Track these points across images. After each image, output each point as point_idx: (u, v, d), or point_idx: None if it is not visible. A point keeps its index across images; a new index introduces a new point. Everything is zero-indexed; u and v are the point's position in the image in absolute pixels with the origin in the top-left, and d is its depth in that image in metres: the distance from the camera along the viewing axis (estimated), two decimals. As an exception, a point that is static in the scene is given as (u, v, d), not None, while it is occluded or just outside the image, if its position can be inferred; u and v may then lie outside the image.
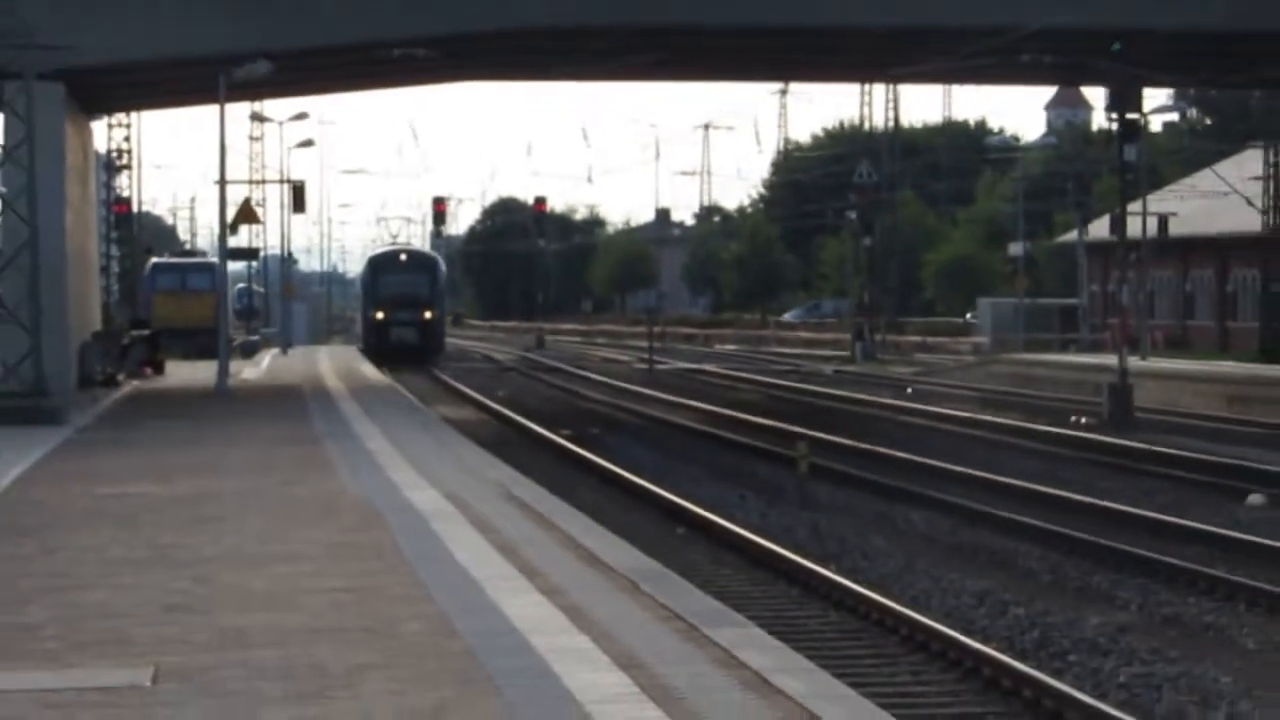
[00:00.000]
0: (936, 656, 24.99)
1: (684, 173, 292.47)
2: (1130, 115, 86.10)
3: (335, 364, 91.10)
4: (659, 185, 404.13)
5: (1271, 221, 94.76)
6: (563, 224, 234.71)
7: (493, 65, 73.35)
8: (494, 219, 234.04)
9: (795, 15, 59.39)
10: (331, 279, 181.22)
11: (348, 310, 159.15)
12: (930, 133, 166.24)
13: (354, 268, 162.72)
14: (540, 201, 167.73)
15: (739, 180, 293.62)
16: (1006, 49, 65.44)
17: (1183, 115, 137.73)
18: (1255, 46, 65.67)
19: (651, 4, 57.54)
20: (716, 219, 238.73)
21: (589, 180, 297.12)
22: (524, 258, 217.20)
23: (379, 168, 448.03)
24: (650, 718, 14.70)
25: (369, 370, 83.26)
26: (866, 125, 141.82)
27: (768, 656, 17.69)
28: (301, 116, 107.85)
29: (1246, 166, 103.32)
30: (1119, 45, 67.34)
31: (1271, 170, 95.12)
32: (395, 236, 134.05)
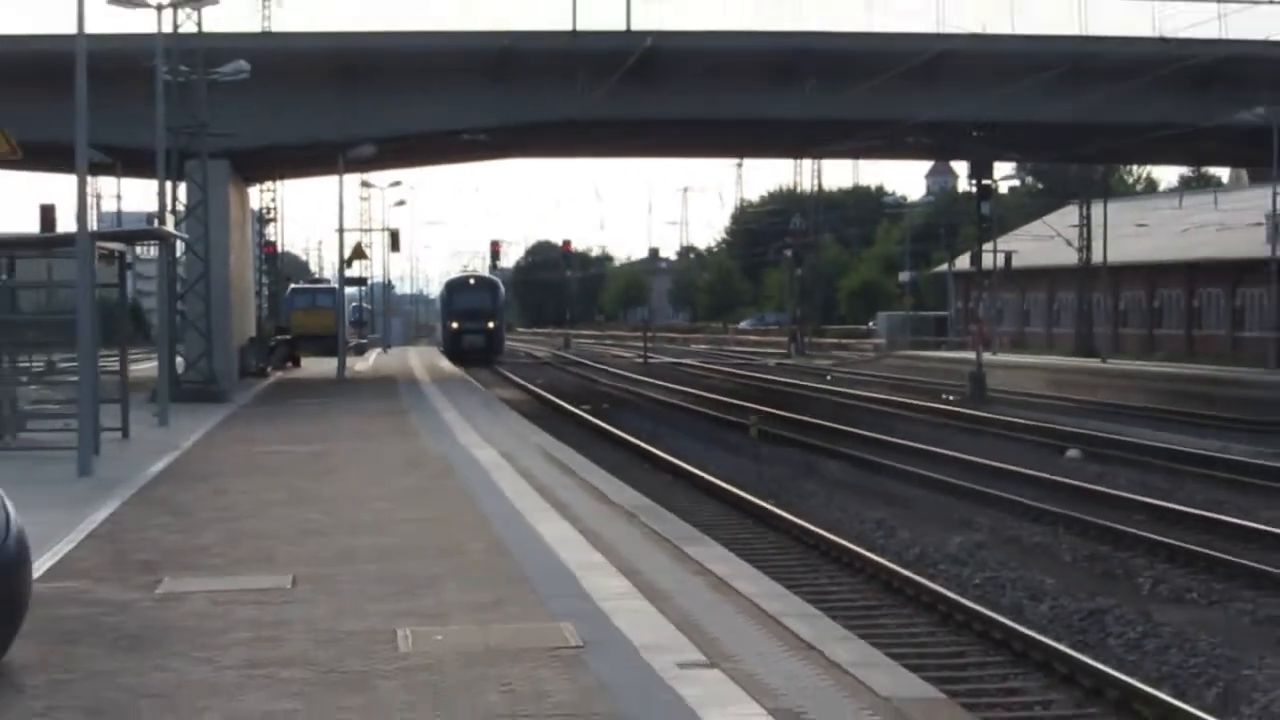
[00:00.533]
0: (846, 566, 25.26)
1: (670, 222, 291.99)
2: (985, 181, 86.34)
3: (421, 360, 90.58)
4: (651, 230, 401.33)
5: (1083, 257, 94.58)
6: (582, 259, 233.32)
7: (533, 146, 73.27)
8: (534, 256, 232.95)
9: (744, 111, 59.40)
10: (418, 299, 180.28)
11: (429, 321, 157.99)
12: (843, 194, 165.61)
13: (433, 290, 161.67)
14: (566, 243, 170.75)
15: (708, 228, 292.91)
16: (897, 135, 65.48)
17: (1022, 181, 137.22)
18: (1071, 134, 65.66)
19: (637, 105, 57.43)
20: (692, 255, 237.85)
21: (601, 227, 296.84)
22: (555, 283, 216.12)
23: (452, 218, 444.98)
24: (645, 609, 15.02)
25: (445, 365, 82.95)
26: (798, 189, 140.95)
27: (729, 567, 18.03)
28: (396, 184, 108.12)
29: (1067, 218, 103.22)
30: (977, 132, 67.39)
31: (1083, 220, 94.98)
32: (465, 266, 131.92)
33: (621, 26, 53.99)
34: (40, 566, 15.87)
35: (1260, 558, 25.49)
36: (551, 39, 54.83)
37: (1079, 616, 21.40)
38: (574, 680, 12.02)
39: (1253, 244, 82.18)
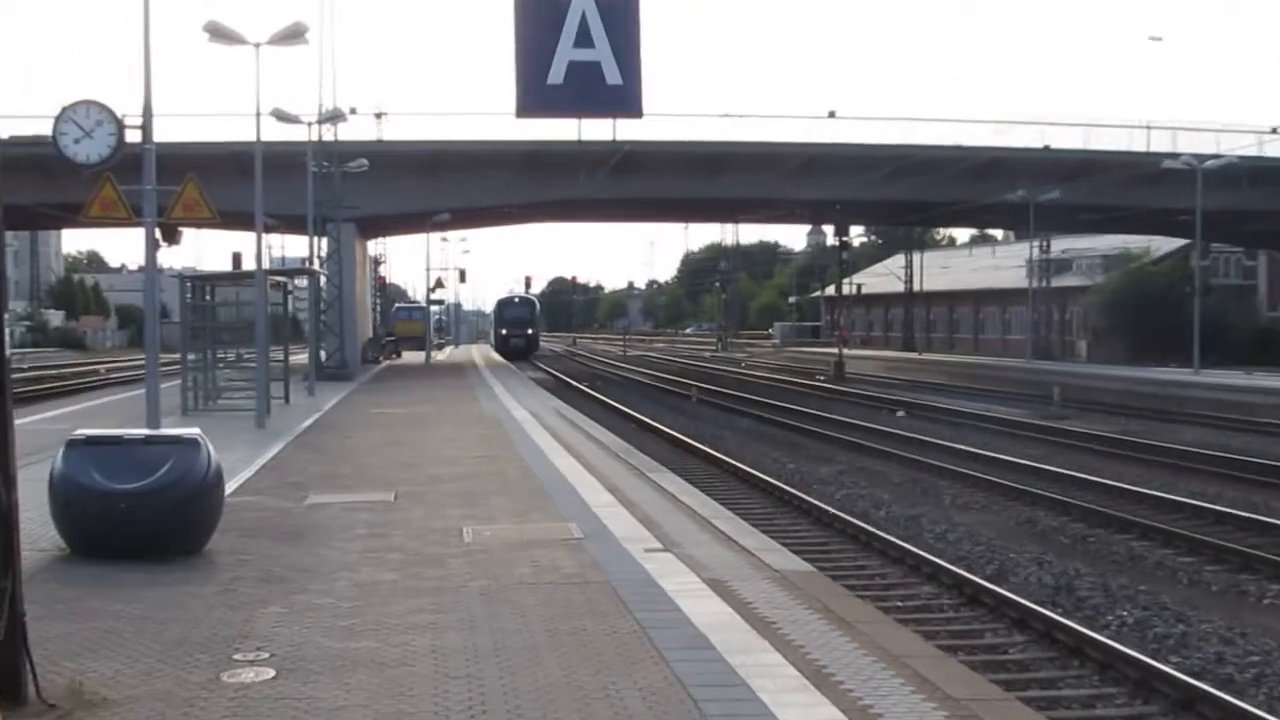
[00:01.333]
0: (754, 486, 25.23)
1: (642, 263, 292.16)
2: (844, 239, 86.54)
3: (479, 354, 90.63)
4: (631, 269, 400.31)
5: (908, 287, 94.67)
6: (584, 288, 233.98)
7: (552, 215, 73.21)
8: (553, 285, 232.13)
9: (690, 192, 59.48)
10: (478, 314, 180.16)
11: (485, 328, 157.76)
12: (754, 246, 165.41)
13: (488, 307, 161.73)
14: (574, 278, 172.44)
15: (668, 267, 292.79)
16: (788, 208, 65.52)
17: (868, 238, 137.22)
18: (899, 208, 65.76)
19: (620, 188, 57.46)
20: (655, 285, 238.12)
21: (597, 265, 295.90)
22: (566, 303, 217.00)
23: (499, 262, 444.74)
24: (623, 515, 15.03)
25: (496, 357, 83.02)
26: (724, 243, 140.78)
27: (678, 487, 18.04)
28: (464, 238, 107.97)
29: (897, 261, 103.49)
30: (838, 207, 67.46)
31: (908, 263, 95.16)
32: (510, 290, 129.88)
33: (609, 137, 53.96)
34: (231, 486, 15.83)
35: (1018, 480, 25.56)
36: (564, 145, 54.74)
37: (905, 519, 21.42)
38: (577, 559, 12.03)
39: (1018, 279, 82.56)
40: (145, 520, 11.79)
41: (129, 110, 19.25)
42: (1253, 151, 56.34)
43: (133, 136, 18.94)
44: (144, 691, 7.68)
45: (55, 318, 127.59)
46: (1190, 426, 39.08)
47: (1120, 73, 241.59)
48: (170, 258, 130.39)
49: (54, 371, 63.61)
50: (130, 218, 19.78)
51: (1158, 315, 68.49)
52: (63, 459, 12.08)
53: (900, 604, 15.04)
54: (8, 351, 7.35)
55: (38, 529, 12.47)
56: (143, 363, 23.77)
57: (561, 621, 9.46)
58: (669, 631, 9.13)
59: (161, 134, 21.39)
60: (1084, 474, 26.39)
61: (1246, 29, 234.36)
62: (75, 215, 23.43)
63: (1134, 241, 78.77)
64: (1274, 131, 57.87)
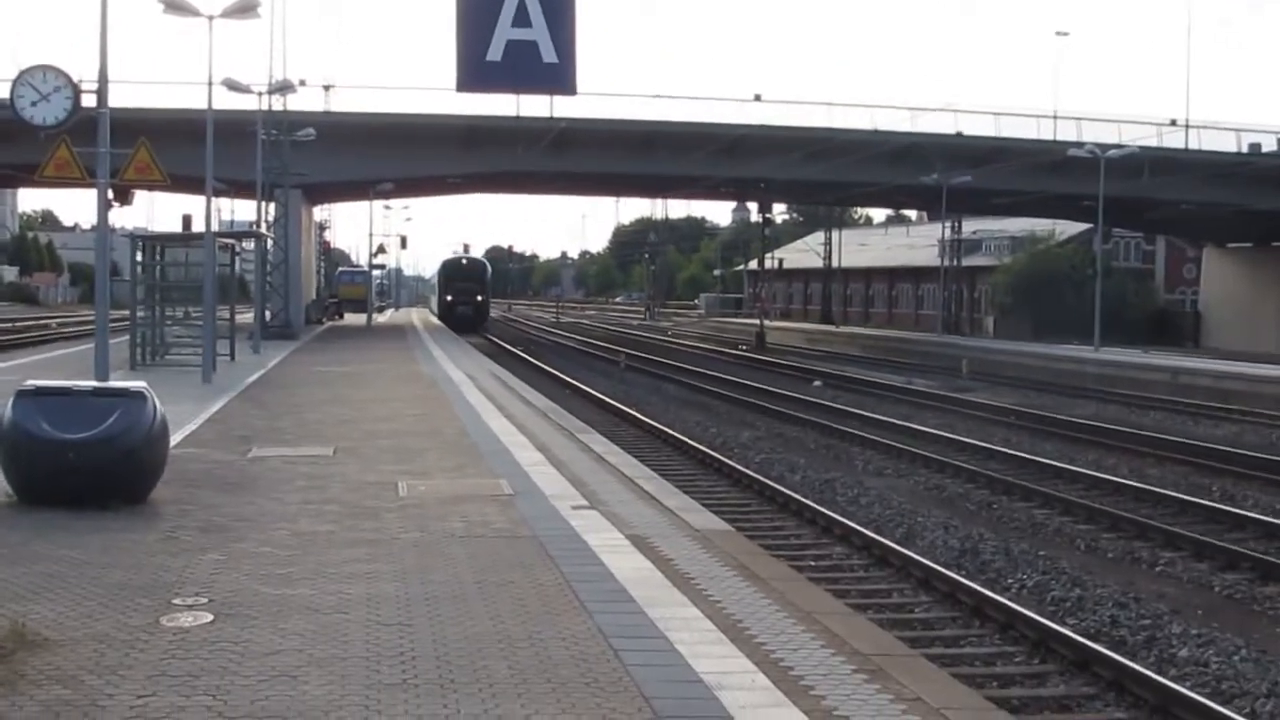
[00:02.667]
0: (677, 448, 25.27)
1: (576, 234, 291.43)
2: (767, 215, 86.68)
3: (418, 317, 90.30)
4: (564, 240, 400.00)
5: (826, 263, 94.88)
6: (520, 258, 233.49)
7: (490, 186, 72.95)
8: (490, 254, 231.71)
9: (621, 168, 59.40)
10: (418, 279, 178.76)
11: (425, 293, 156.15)
12: (681, 220, 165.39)
13: (428, 273, 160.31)
14: (510, 247, 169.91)
15: (600, 239, 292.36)
16: (714, 185, 65.62)
17: (790, 215, 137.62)
18: (820, 188, 65.88)
19: (555, 163, 57.34)
20: (587, 256, 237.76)
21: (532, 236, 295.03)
22: (503, 271, 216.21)
23: (439, 229, 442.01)
24: (552, 473, 15.00)
25: (435, 321, 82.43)
26: (653, 217, 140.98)
27: (604, 448, 17.99)
28: (407, 206, 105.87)
29: (817, 238, 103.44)
30: (762, 185, 67.58)
31: (827, 240, 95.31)
32: (454, 251, 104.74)
33: (546, 114, 53.81)
34: (176, 438, 15.65)
35: (928, 448, 25.74)
36: (503, 121, 54.50)
37: (819, 483, 21.50)
38: (507, 515, 11.97)
39: (930, 258, 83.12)
40: (91, 469, 11.64)
41: (85, 75, 18.98)
42: (1153, 142, 56.92)
43: (88, 101, 18.68)
44: (84, 634, 7.58)
45: (9, 273, 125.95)
46: (1089, 401, 39.48)
47: (1029, 64, 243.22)
48: (122, 218, 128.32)
49: (5, 325, 62.67)
50: (84, 178, 19.51)
51: (1061, 295, 69.28)
52: (12, 408, 11.89)
53: (813, 563, 15.10)
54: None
55: (-14, 476, 12.28)
56: (92, 318, 23.46)
57: (490, 573, 9.42)
58: (592, 585, 9.11)
59: (116, 99, 21.09)
60: (989, 444, 26.61)
61: (1148, 26, 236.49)
62: (31, 175, 23.04)
63: (1040, 225, 79.51)
64: (1173, 124, 58.53)
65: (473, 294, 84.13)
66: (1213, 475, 23.41)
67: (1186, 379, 42.61)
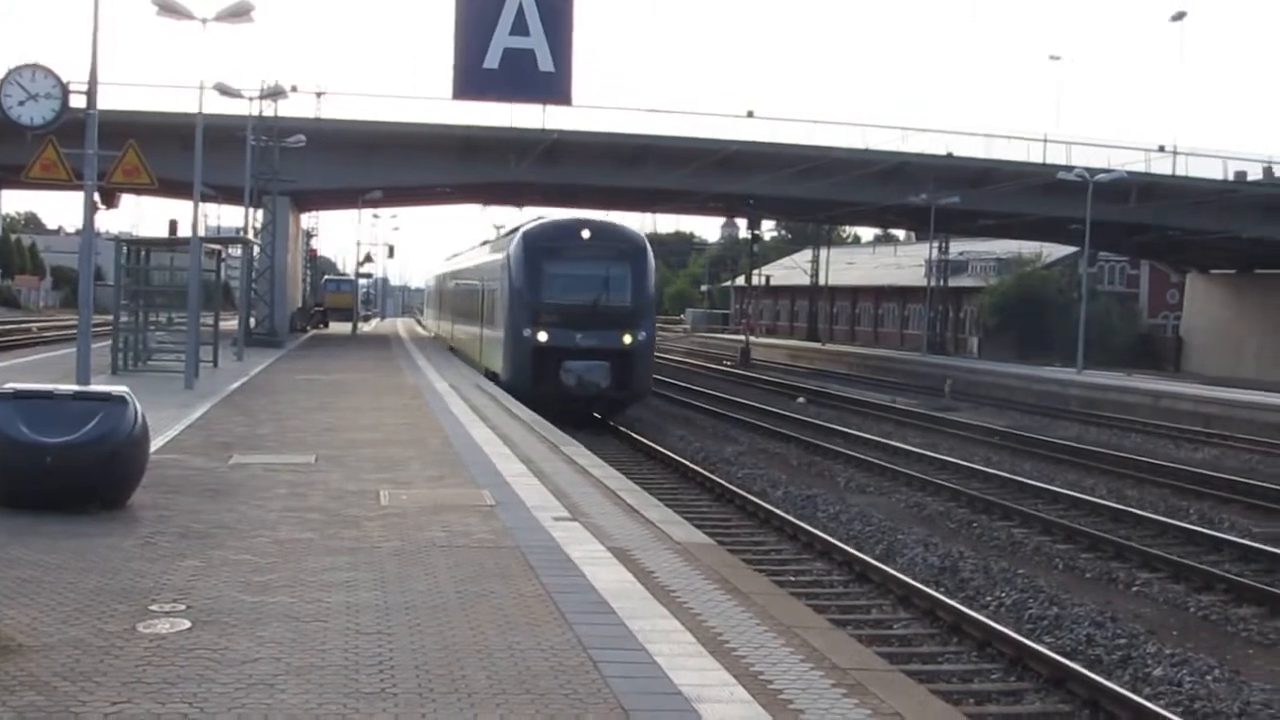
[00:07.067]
0: (660, 462, 25.28)
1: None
2: (755, 232, 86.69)
3: (404, 326, 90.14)
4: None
5: (814, 281, 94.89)
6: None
7: (482, 197, 72.90)
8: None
9: (612, 181, 59.32)
10: (404, 289, 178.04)
11: (410, 303, 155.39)
12: (670, 235, 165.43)
13: (414, 282, 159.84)
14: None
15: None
16: (703, 200, 65.61)
17: (778, 232, 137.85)
18: (808, 206, 65.90)
19: (547, 174, 57.23)
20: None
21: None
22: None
23: (428, 240, 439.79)
24: (534, 484, 14.97)
25: (421, 330, 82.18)
26: (643, 231, 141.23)
27: (587, 460, 17.94)
28: (395, 215, 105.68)
29: (805, 256, 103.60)
30: (751, 202, 67.57)
31: (815, 258, 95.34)
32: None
33: (539, 125, 53.79)
34: (157, 444, 15.59)
35: (910, 466, 25.78)
36: (497, 131, 54.44)
37: (801, 499, 21.52)
38: (489, 525, 11.93)
39: (917, 277, 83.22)
40: (71, 473, 11.56)
41: (75, 76, 18.92)
42: (1141, 168, 57.12)
43: (77, 102, 18.61)
44: (60, 639, 7.52)
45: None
46: (1071, 422, 39.56)
47: (1020, 88, 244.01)
48: (108, 222, 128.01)
49: (-11, 327, 62.41)
50: (71, 180, 19.42)
51: (1046, 317, 69.44)
52: (-9, 411, 11.80)
53: (794, 578, 15.10)
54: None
55: (-35, 477, 12.20)
56: (74, 322, 23.39)
57: (471, 583, 9.38)
58: (573, 596, 9.08)
59: (106, 101, 21.04)
60: (970, 463, 26.63)
61: (1140, 53, 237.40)
62: (16, 175, 22.95)
63: (1027, 247, 79.71)
64: (1161, 150, 58.68)
65: (617, 325, 33.59)
66: (1191, 498, 23.49)
67: (1168, 403, 42.70)
